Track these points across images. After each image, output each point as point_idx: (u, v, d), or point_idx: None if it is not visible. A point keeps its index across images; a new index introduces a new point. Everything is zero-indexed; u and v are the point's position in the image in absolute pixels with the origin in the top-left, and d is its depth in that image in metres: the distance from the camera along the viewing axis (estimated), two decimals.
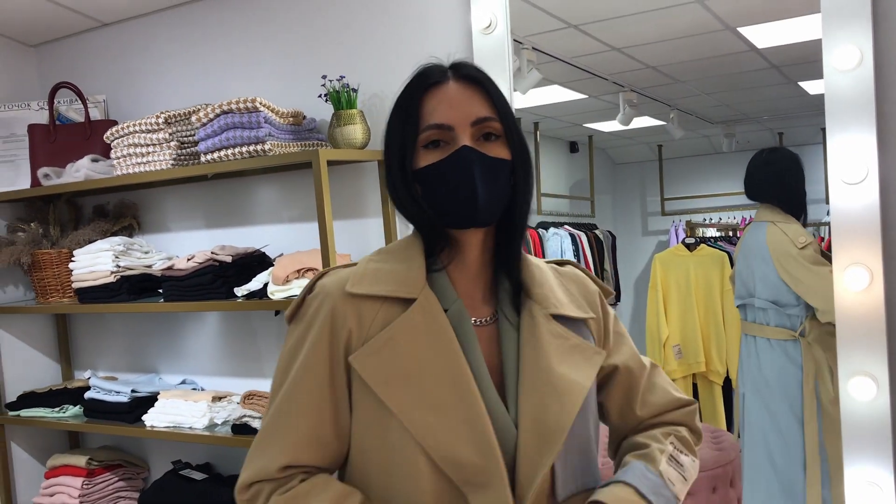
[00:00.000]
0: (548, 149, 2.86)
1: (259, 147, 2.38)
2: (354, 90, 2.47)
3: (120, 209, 3.08)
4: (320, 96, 2.51)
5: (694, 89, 2.63)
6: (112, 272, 2.77)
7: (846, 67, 1.86)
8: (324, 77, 2.50)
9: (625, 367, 1.26)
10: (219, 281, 2.58)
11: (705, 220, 2.65)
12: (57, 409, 3.01)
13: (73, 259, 2.88)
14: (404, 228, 2.57)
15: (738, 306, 2.43)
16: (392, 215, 2.54)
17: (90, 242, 2.90)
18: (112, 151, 2.70)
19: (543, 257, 1.89)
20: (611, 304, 1.32)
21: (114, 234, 3.02)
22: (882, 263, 1.86)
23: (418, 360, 1.09)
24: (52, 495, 3.05)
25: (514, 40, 2.34)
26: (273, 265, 2.68)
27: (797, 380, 2.24)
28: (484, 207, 1.12)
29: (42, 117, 3.08)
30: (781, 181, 2.38)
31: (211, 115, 2.44)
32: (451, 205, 1.13)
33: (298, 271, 2.45)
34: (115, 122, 3.02)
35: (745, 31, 2.27)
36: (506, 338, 1.16)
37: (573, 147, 2.93)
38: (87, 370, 3.31)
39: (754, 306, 2.35)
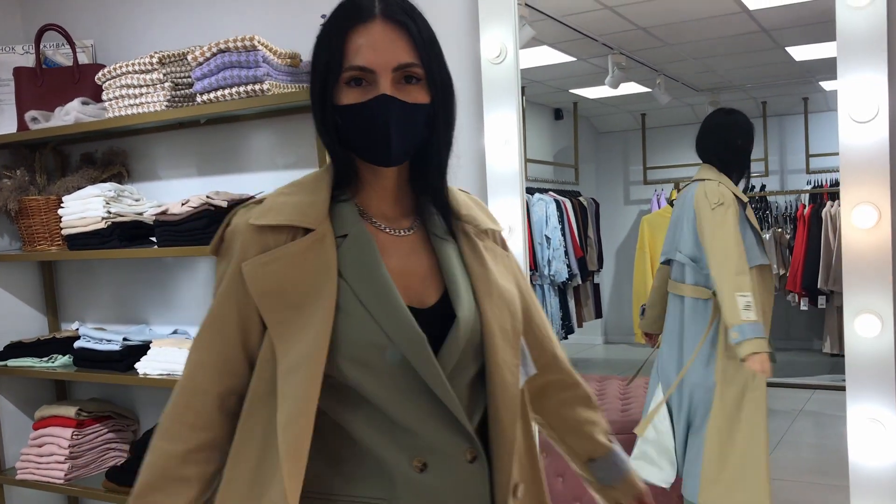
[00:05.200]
0: (533, 115, 2.84)
1: (257, 87, 2.33)
2: None
3: (109, 156, 3.02)
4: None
5: (682, 53, 2.62)
6: (103, 218, 2.72)
7: (859, 4, 1.86)
8: (322, 17, 2.45)
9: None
10: (214, 226, 2.53)
11: (674, 185, 2.66)
12: (46, 358, 2.96)
13: (62, 205, 2.82)
14: None
15: (662, 263, 2.46)
16: None
17: (79, 189, 2.84)
18: (104, 93, 2.64)
19: (529, 223, 2.07)
20: (592, 271, 1.54)
21: (103, 181, 2.96)
22: (890, 202, 1.87)
23: (289, 280, 1.18)
24: (40, 446, 3.01)
25: None
26: None
27: (706, 339, 2.29)
28: (396, 152, 1.21)
29: (27, 62, 2.99)
30: (725, 142, 2.38)
31: (207, 54, 2.39)
32: (365, 145, 1.21)
33: None
34: (103, 67, 2.95)
35: None
36: (442, 249, 1.28)
37: (557, 114, 2.92)
38: (74, 322, 3.26)
39: (677, 262, 2.38)
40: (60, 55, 2.99)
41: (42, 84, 2.89)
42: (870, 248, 1.89)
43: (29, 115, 2.82)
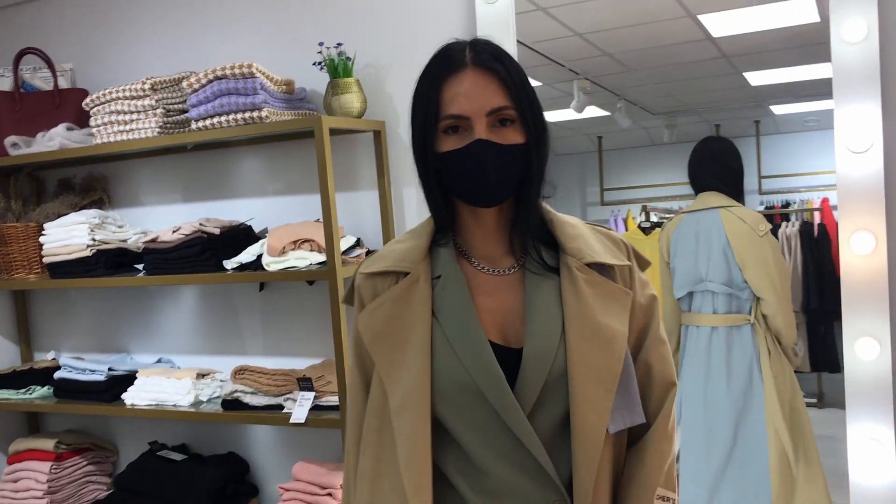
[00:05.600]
0: None
1: (255, 114, 2.32)
2: (350, 59, 2.43)
3: (89, 182, 2.96)
4: (316, 64, 2.46)
5: (644, 78, 2.69)
6: (88, 246, 2.66)
7: (854, 40, 1.94)
8: (321, 44, 2.46)
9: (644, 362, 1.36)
10: (207, 253, 2.51)
11: (642, 210, 2.70)
12: (23, 390, 2.87)
13: (43, 233, 2.75)
14: (401, 203, 2.55)
15: (679, 298, 2.43)
16: (389, 189, 2.51)
17: (60, 216, 2.77)
18: (91, 119, 2.59)
19: None
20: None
21: (82, 207, 2.90)
22: (886, 229, 1.95)
23: (393, 322, 1.27)
24: (16, 481, 2.91)
25: None
26: (259, 239, 2.62)
27: (746, 364, 2.29)
28: (494, 192, 1.26)
29: (4, 85, 2.92)
30: (726, 167, 2.42)
31: (203, 81, 2.37)
32: (465, 188, 1.26)
33: (295, 242, 2.41)
34: (85, 91, 2.90)
35: (704, 18, 2.32)
36: (531, 286, 1.28)
37: None
38: (49, 351, 3.17)
39: (703, 292, 2.38)
40: (38, 79, 2.92)
41: (21, 109, 2.83)
42: (868, 274, 1.96)
43: (9, 140, 2.75)
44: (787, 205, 2.42)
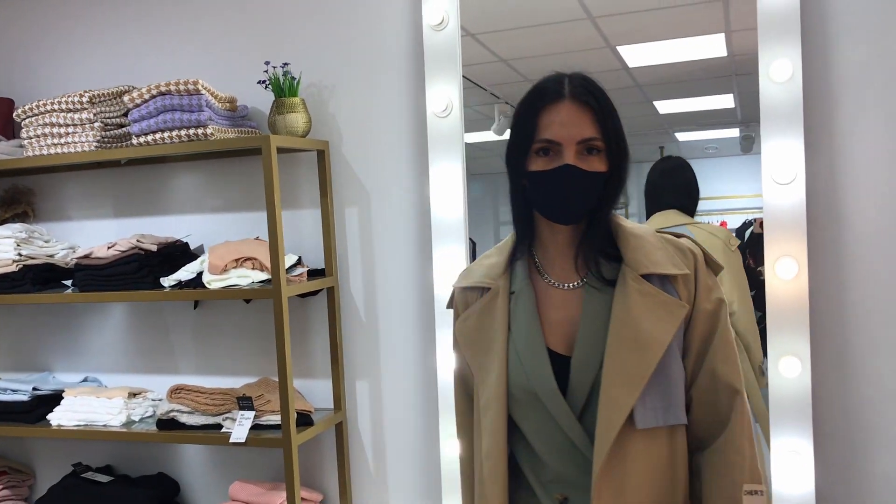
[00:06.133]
0: None
1: (200, 131, 2.31)
2: (295, 78, 2.44)
3: (13, 194, 2.86)
4: (261, 82, 2.46)
5: None
6: (14, 261, 2.57)
7: (780, 80, 2.08)
8: (267, 63, 2.47)
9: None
10: (144, 270, 2.46)
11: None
12: None
13: None
14: (342, 222, 2.57)
15: None
16: (331, 207, 2.53)
17: None
18: (23, 131, 2.51)
19: None
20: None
21: (5, 221, 2.80)
22: (807, 255, 2.09)
23: (480, 331, 1.49)
24: None
25: None
26: (197, 256, 2.60)
27: None
28: (572, 213, 1.41)
29: None
30: (690, 185, 2.49)
31: (146, 96, 2.34)
32: (547, 204, 1.41)
33: (237, 260, 2.39)
34: (10, 101, 2.81)
35: (622, 49, 2.45)
36: (587, 299, 1.42)
37: None
38: None
39: None
40: None
41: None
42: (791, 297, 2.10)
43: None
44: None
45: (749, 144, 2.34)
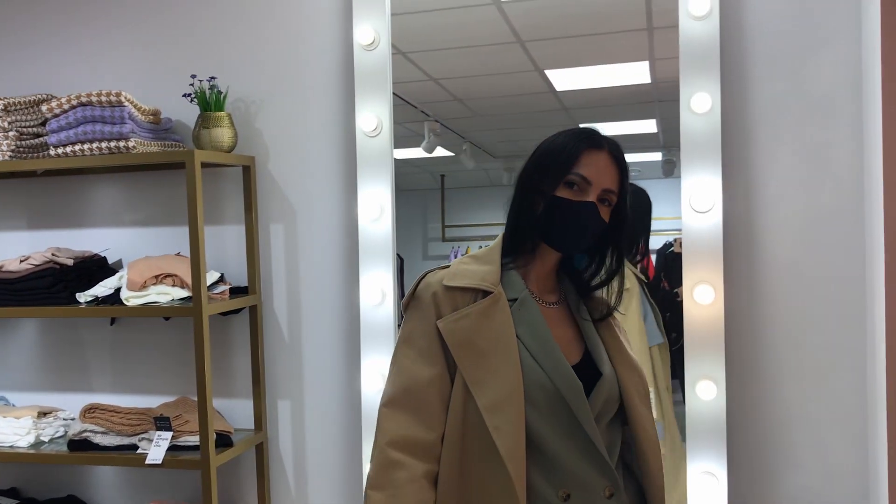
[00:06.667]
0: None
1: (122, 143, 2.25)
2: (221, 93, 2.41)
3: None
4: (186, 96, 2.42)
5: (488, 124, 2.85)
6: None
7: (700, 111, 2.15)
8: (193, 76, 2.42)
9: None
10: (59, 285, 2.39)
11: (481, 247, 2.82)
12: None
13: None
14: (267, 238, 2.54)
15: None
16: (256, 223, 2.50)
17: None
18: None
19: None
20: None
21: None
22: (723, 281, 2.16)
23: (477, 331, 1.50)
24: None
25: None
26: (114, 271, 2.53)
27: None
28: (575, 244, 1.57)
29: None
30: (649, 212, 2.48)
31: (66, 106, 2.27)
32: (558, 231, 1.55)
33: (156, 277, 2.34)
34: None
35: (550, 73, 2.51)
36: (582, 322, 1.62)
37: None
38: None
39: None
40: None
41: None
42: (707, 322, 2.16)
43: None
44: None
45: (671, 168, 2.40)
